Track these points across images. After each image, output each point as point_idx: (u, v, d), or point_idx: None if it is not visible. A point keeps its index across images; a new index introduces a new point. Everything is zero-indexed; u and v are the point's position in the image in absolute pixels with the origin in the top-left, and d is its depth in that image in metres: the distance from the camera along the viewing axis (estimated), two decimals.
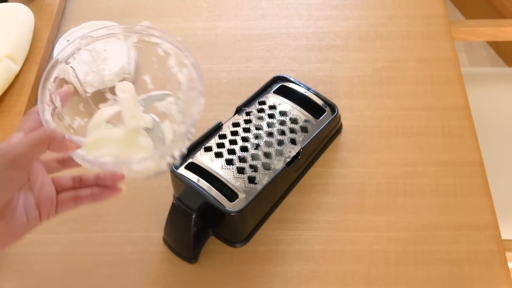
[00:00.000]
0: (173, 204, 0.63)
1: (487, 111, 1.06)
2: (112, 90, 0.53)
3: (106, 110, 0.53)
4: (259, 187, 0.65)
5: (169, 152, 0.47)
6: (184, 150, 0.49)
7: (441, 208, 0.70)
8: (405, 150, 0.76)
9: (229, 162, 0.66)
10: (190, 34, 0.93)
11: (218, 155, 0.67)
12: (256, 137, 0.69)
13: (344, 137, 0.78)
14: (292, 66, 0.88)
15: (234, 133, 0.70)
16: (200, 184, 0.64)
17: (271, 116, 0.72)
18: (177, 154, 0.48)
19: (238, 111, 0.74)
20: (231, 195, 0.64)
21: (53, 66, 0.50)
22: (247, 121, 0.71)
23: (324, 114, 0.74)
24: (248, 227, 0.68)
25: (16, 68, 0.84)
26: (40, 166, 0.44)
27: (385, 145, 0.77)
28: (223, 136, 0.69)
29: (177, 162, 0.49)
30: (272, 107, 0.73)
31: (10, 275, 0.67)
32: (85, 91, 0.54)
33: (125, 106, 0.50)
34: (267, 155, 0.68)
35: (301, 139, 0.70)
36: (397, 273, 0.65)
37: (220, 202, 0.63)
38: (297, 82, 0.78)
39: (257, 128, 0.70)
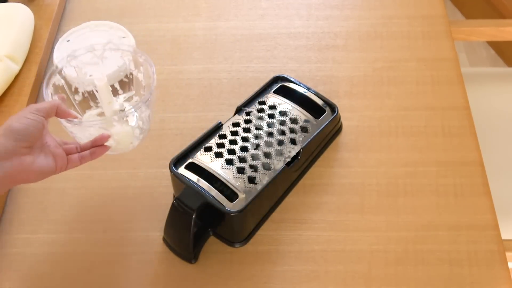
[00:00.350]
0: (173, 204, 0.63)
1: (487, 111, 1.06)
2: (92, 97, 0.70)
3: (90, 112, 0.69)
4: (259, 187, 0.65)
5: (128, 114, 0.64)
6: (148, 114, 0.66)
7: (441, 208, 0.70)
8: (405, 150, 0.76)
9: (229, 162, 0.66)
10: (190, 34, 0.93)
11: (218, 155, 0.67)
12: (256, 137, 0.69)
13: (344, 137, 0.78)
14: (292, 66, 0.88)
15: (234, 133, 0.70)
16: (200, 184, 0.64)
17: (271, 116, 0.72)
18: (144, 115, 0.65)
19: (238, 111, 0.74)
20: (231, 195, 0.64)
21: (50, 76, 0.64)
22: (247, 121, 0.71)
23: (324, 114, 0.74)
24: (248, 227, 0.68)
25: (16, 68, 0.84)
26: (52, 140, 0.59)
27: (385, 145, 0.77)
28: (223, 136, 0.69)
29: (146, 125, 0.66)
30: (272, 107, 0.73)
31: (10, 275, 0.67)
32: (74, 99, 0.69)
33: (102, 93, 0.65)
34: (267, 155, 0.68)
35: (301, 139, 0.70)
36: (397, 273, 0.65)
37: (220, 202, 0.63)
38: (297, 82, 0.77)
39: (257, 128, 0.70)
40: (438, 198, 0.71)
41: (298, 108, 0.73)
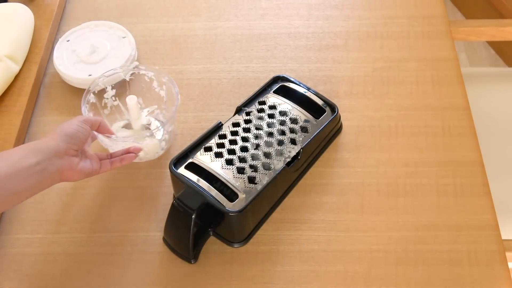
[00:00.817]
0: (173, 204, 0.63)
1: (487, 111, 1.06)
2: (118, 110, 0.79)
3: (117, 124, 0.79)
4: (259, 187, 0.64)
5: (157, 132, 0.75)
6: (170, 132, 0.75)
7: (441, 208, 0.70)
8: (405, 150, 0.76)
9: (229, 162, 0.66)
10: (190, 34, 0.93)
11: (218, 155, 0.67)
12: (256, 137, 0.69)
13: (344, 137, 0.78)
14: (292, 66, 0.88)
15: (234, 133, 0.70)
16: (200, 184, 0.64)
17: (271, 116, 0.72)
18: (167, 134, 0.75)
19: (238, 111, 0.73)
20: (231, 195, 0.64)
21: (86, 95, 0.73)
22: (247, 121, 0.71)
23: (324, 114, 0.74)
24: (248, 227, 0.68)
25: (16, 68, 0.84)
26: (89, 148, 0.67)
27: (385, 145, 0.77)
28: (223, 136, 0.69)
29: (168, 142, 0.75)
30: (272, 107, 0.73)
31: (10, 275, 0.67)
32: (104, 113, 0.78)
33: (132, 110, 0.74)
34: (267, 155, 0.67)
35: (301, 139, 0.70)
36: (397, 273, 0.65)
37: (220, 202, 0.63)
38: (297, 82, 0.77)
39: (257, 128, 0.70)
40: (438, 198, 0.71)
41: (298, 108, 0.73)
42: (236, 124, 0.71)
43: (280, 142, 0.69)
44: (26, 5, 0.92)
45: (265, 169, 0.66)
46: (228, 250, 0.68)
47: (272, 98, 0.75)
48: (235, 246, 0.68)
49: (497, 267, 0.65)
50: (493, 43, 1.91)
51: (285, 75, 0.78)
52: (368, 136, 0.78)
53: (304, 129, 0.71)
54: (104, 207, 0.72)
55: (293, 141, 0.69)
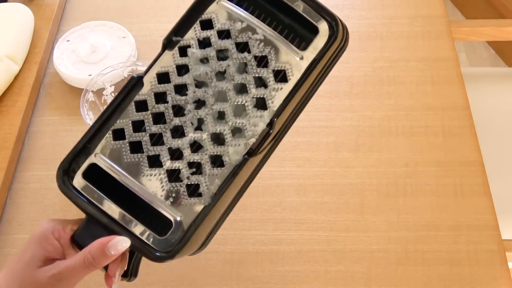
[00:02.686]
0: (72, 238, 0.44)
1: (487, 111, 1.06)
2: None
3: None
4: (206, 200, 0.42)
5: None
6: None
7: (441, 208, 0.70)
8: (405, 150, 0.76)
9: (154, 161, 0.42)
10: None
11: (135, 147, 0.42)
12: (198, 103, 0.42)
13: (344, 137, 0.78)
14: None
15: (160, 98, 0.43)
16: (110, 213, 0.41)
17: (222, 53, 0.43)
18: None
19: (167, 45, 0.44)
20: (161, 224, 0.41)
21: (84, 95, 0.72)
22: (181, 68, 0.43)
23: (316, 38, 0.43)
24: (194, 247, 0.46)
25: (16, 68, 0.84)
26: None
27: (385, 145, 0.77)
28: (142, 106, 0.43)
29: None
30: (224, 33, 0.43)
31: None
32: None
33: None
34: (217, 139, 0.42)
35: (274, 95, 0.42)
36: (397, 273, 0.65)
37: (143, 246, 0.41)
38: None
39: (198, 84, 0.43)
40: (438, 198, 0.71)
41: (270, 31, 0.43)
42: (162, 77, 0.43)
43: (239, 110, 0.42)
44: (26, 5, 0.92)
45: (214, 165, 0.42)
46: (229, 250, 0.68)
47: (223, 13, 0.43)
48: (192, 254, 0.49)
49: (497, 267, 0.65)
50: (493, 43, 1.91)
51: None
52: (368, 136, 0.78)
53: (281, 76, 0.43)
54: None
55: (260, 103, 0.42)
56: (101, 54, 0.85)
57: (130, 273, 0.49)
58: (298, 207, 0.71)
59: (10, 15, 0.88)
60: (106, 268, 0.46)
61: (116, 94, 0.44)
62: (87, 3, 0.99)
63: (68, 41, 0.88)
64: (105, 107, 0.74)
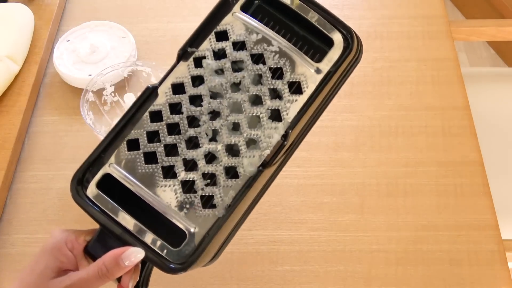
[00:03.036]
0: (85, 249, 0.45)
1: (487, 111, 1.06)
2: (118, 105, 0.76)
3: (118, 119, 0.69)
4: (220, 211, 0.42)
5: None
6: None
7: (441, 208, 0.70)
8: (405, 150, 0.76)
9: (168, 172, 0.42)
10: (190, 34, 0.93)
11: (150, 157, 0.43)
12: (213, 114, 0.42)
13: (344, 137, 0.78)
14: None
15: (175, 109, 0.43)
16: (124, 224, 0.42)
17: (237, 64, 0.44)
18: None
19: (182, 56, 0.45)
20: (175, 235, 0.42)
21: (84, 95, 0.72)
22: (196, 79, 0.44)
23: (331, 50, 0.44)
24: (206, 258, 0.46)
25: (16, 68, 0.84)
26: None
27: (385, 145, 0.77)
28: (156, 116, 0.43)
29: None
30: (239, 44, 0.44)
31: (10, 275, 0.67)
32: (104, 109, 0.77)
33: None
34: (231, 150, 0.43)
35: (289, 106, 0.42)
36: (397, 273, 0.65)
37: (157, 257, 0.42)
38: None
39: (213, 95, 0.43)
40: (438, 198, 0.71)
41: (285, 43, 0.43)
42: (177, 89, 0.43)
43: (254, 121, 0.42)
44: (26, 5, 0.92)
45: (228, 176, 0.42)
46: (229, 250, 0.68)
47: (238, 25, 0.44)
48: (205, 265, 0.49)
49: (497, 267, 0.65)
50: (493, 43, 1.91)
51: None
52: (368, 136, 0.78)
53: (294, 86, 0.43)
54: None
55: (275, 115, 0.43)
56: (101, 54, 0.85)
57: (141, 284, 0.48)
58: (298, 207, 0.71)
59: (10, 15, 0.88)
60: (119, 279, 0.45)
61: (131, 104, 0.44)
62: (87, 3, 0.99)
63: (68, 41, 0.88)
64: (105, 107, 0.75)
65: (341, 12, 0.95)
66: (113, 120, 0.78)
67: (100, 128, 0.73)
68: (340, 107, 0.78)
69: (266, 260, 0.67)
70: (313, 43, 0.45)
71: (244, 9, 0.45)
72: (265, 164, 0.42)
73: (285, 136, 0.42)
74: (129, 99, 0.73)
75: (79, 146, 0.78)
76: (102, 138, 0.56)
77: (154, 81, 0.77)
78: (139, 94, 0.50)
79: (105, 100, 0.77)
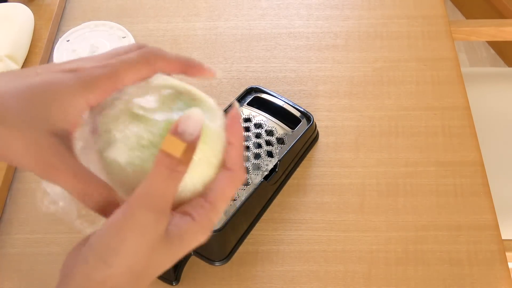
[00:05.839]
0: None
1: (487, 111, 1.06)
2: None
3: None
4: (237, 203, 0.64)
5: None
6: None
7: (441, 208, 0.70)
8: (405, 150, 0.76)
9: None
10: (190, 34, 0.93)
11: None
12: None
13: (344, 137, 0.78)
14: (292, 66, 0.88)
15: None
16: None
17: (246, 129, 0.71)
18: None
19: None
20: None
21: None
22: None
23: (300, 124, 0.73)
24: (229, 244, 0.67)
25: (16, 68, 0.84)
26: None
27: (385, 145, 0.77)
28: None
29: None
30: (247, 119, 0.72)
31: (10, 275, 0.67)
32: None
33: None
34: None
35: (277, 150, 0.69)
36: (397, 273, 0.65)
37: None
38: (271, 93, 0.76)
39: None
40: (438, 198, 0.71)
41: (273, 119, 0.72)
42: None
43: (257, 156, 0.68)
44: (26, 5, 0.92)
45: (243, 184, 0.66)
46: None
47: (246, 111, 0.74)
48: (216, 264, 0.66)
49: (497, 267, 0.65)
50: (493, 43, 1.91)
51: (258, 86, 0.77)
52: (368, 136, 0.78)
53: (280, 141, 0.71)
54: None
55: (270, 154, 0.69)
56: None
57: (176, 277, 0.64)
58: (298, 207, 0.71)
59: (10, 15, 0.88)
60: None
61: None
62: (87, 3, 0.99)
63: (68, 41, 0.88)
64: None
65: (341, 12, 0.95)
66: None
67: None
68: (340, 107, 0.78)
69: (266, 260, 0.67)
70: (289, 118, 0.74)
71: (248, 104, 0.76)
72: (264, 179, 0.67)
73: (276, 165, 0.68)
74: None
75: None
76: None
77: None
78: None
79: None
